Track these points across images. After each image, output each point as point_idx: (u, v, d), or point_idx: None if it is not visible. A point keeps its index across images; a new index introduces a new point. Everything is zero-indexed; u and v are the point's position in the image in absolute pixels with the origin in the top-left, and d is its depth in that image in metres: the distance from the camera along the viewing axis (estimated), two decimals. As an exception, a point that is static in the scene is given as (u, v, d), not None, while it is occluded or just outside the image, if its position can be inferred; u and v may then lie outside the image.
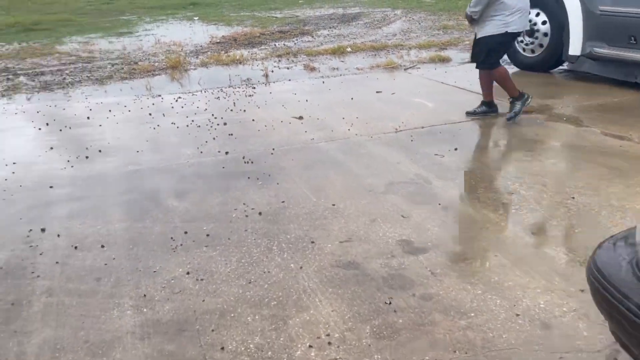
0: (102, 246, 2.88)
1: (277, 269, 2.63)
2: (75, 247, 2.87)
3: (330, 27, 11.84)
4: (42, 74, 7.78)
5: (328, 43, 9.76)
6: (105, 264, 2.71)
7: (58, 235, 3.00)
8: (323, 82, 6.72)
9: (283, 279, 2.55)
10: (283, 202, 3.36)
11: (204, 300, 2.40)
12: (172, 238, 2.96)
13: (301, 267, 2.64)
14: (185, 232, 3.01)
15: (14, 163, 4.13)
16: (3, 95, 6.49)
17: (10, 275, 2.62)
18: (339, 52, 8.79)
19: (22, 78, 7.50)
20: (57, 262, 2.73)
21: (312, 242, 2.86)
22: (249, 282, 2.53)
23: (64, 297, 2.45)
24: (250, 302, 2.38)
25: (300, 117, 5.18)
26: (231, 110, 5.54)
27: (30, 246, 2.89)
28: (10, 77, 7.57)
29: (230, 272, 2.61)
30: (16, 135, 4.94)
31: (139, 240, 2.94)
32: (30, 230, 3.07)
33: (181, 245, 2.89)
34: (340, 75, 7.16)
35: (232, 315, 2.30)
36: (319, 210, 3.24)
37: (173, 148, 4.44)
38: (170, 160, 4.17)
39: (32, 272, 2.64)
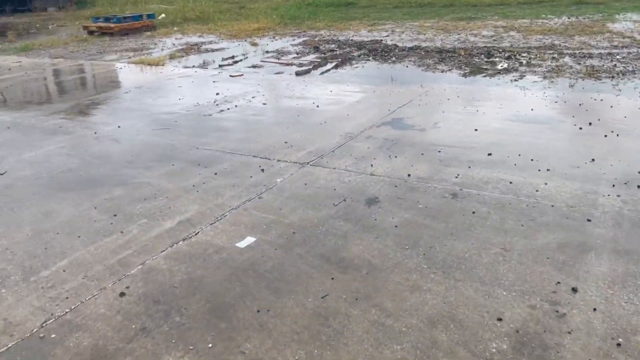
0: (659, 363, 1.88)
1: None
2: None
3: None
4: (590, 56, 6.93)
5: None
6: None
7: (594, 309, 2.18)
8: None
9: None
10: None
11: None
12: None
13: None
14: None
15: (547, 170, 3.52)
16: (545, 77, 6.03)
17: (527, 350, 1.98)
18: None
19: (567, 59, 6.88)
20: (589, 360, 1.92)
21: None
22: None
23: None
24: None
25: None
26: None
27: (556, 312, 2.17)
28: (556, 56, 7.05)
29: None
30: (550, 130, 4.32)
31: None
32: (558, 283, 2.36)
33: None
34: None
35: None
36: None
37: None
38: None
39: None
